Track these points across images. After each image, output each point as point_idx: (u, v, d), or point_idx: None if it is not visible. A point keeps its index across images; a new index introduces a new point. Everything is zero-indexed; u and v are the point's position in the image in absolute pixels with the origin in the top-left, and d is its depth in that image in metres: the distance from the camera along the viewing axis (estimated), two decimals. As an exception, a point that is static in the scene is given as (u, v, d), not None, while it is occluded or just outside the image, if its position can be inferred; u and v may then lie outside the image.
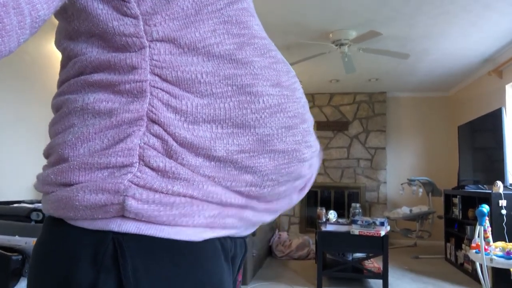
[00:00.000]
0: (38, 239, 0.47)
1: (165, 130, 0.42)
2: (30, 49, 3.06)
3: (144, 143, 0.42)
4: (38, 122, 3.03)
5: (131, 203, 0.40)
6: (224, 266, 0.47)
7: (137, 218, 0.41)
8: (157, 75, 0.43)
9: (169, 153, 0.42)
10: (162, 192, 0.41)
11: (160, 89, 0.43)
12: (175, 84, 0.44)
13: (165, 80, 0.43)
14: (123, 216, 0.41)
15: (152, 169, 0.41)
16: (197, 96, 0.44)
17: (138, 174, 0.41)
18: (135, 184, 0.40)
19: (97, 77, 0.45)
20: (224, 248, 0.48)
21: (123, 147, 0.41)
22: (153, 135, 0.42)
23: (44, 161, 0.49)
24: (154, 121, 0.42)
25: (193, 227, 0.43)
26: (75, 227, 0.43)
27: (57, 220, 0.45)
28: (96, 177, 0.42)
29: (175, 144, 0.42)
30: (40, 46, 3.17)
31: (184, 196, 0.42)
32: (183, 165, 0.42)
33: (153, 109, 0.42)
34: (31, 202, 2.56)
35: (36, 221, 2.10)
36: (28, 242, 1.82)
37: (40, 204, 2.45)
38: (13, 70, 2.90)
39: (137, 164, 0.41)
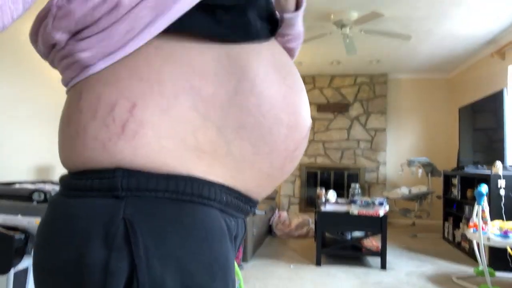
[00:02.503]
0: (43, 218, 0.47)
1: None
2: (25, 29, 3.03)
3: None
4: (38, 102, 3.02)
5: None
6: (230, 247, 0.48)
7: None
8: None
9: None
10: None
11: None
12: None
13: None
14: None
15: None
16: None
17: None
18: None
19: None
20: (229, 228, 0.49)
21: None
22: None
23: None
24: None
25: None
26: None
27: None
28: None
29: None
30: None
31: None
32: None
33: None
34: (33, 183, 2.58)
35: (38, 201, 2.12)
36: (30, 222, 1.84)
37: (41, 185, 2.46)
38: (10, 50, 2.87)
39: None
